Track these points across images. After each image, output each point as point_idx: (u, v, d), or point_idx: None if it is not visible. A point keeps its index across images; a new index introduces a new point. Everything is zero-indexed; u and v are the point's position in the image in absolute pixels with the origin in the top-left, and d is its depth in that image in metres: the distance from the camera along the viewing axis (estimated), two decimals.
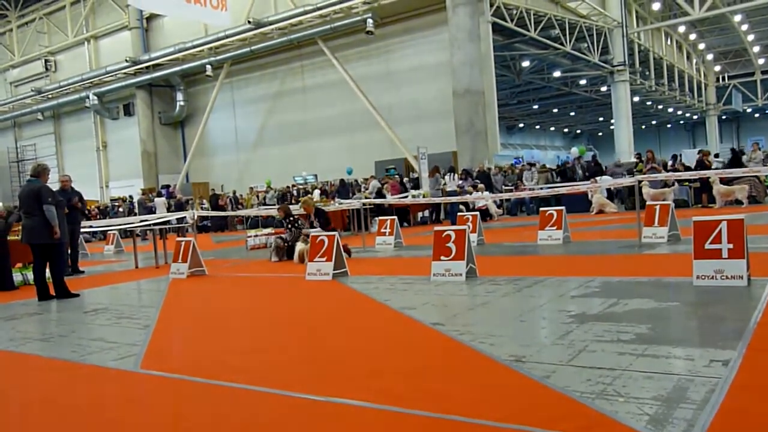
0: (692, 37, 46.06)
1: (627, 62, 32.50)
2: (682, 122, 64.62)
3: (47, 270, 8.66)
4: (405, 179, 22.82)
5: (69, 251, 11.78)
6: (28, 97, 39.11)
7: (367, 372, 3.95)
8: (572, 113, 54.51)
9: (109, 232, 19.44)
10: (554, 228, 10.76)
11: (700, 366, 3.46)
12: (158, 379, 4.15)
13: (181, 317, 6.67)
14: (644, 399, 3.01)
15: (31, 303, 8.33)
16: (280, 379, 3.85)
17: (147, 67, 33.13)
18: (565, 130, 66.82)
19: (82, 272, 12.18)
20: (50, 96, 37.93)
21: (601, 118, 56.53)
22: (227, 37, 29.50)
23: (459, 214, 13.52)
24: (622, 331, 4.37)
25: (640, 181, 11.49)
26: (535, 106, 48.47)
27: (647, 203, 10.75)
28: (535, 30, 26.12)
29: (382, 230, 12.86)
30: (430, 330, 4.91)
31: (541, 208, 11.71)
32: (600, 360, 3.72)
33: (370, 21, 25.01)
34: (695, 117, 57.84)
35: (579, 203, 18.03)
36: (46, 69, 39.91)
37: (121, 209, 28.67)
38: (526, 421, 2.85)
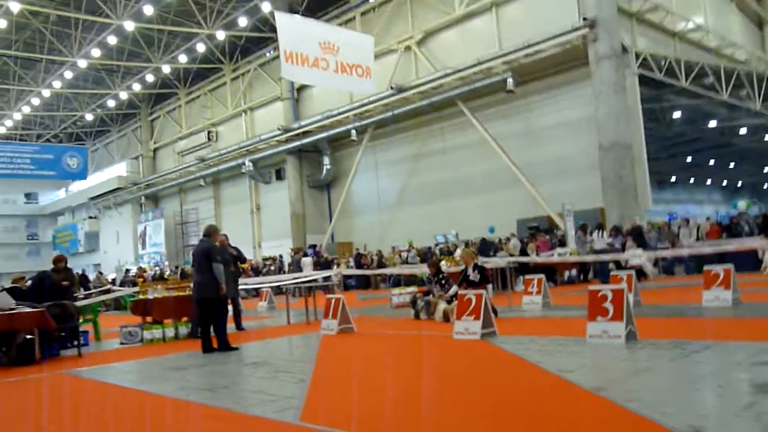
0: None
1: None
2: None
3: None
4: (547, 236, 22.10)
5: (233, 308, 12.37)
6: (192, 165, 43.12)
7: None
8: (731, 165, 50.51)
9: (262, 289, 20.55)
10: (722, 287, 9.86)
11: None
12: None
13: (335, 372, 6.82)
14: None
15: (196, 355, 8.91)
16: None
17: (297, 134, 35.38)
18: (724, 183, 61.92)
19: (243, 329, 12.63)
20: (211, 164, 41.57)
21: (766, 169, 51.88)
22: (371, 103, 30.80)
23: (612, 273, 12.85)
24: None
25: None
26: (689, 159, 45.51)
27: None
28: (686, 79, 24.78)
29: (529, 289, 12.48)
30: (592, 395, 4.63)
31: (705, 267, 10.83)
32: None
33: (510, 80, 25.09)
34: None
35: (746, 261, 16.49)
36: (209, 139, 43.91)
37: (272, 267, 30.27)
38: None
